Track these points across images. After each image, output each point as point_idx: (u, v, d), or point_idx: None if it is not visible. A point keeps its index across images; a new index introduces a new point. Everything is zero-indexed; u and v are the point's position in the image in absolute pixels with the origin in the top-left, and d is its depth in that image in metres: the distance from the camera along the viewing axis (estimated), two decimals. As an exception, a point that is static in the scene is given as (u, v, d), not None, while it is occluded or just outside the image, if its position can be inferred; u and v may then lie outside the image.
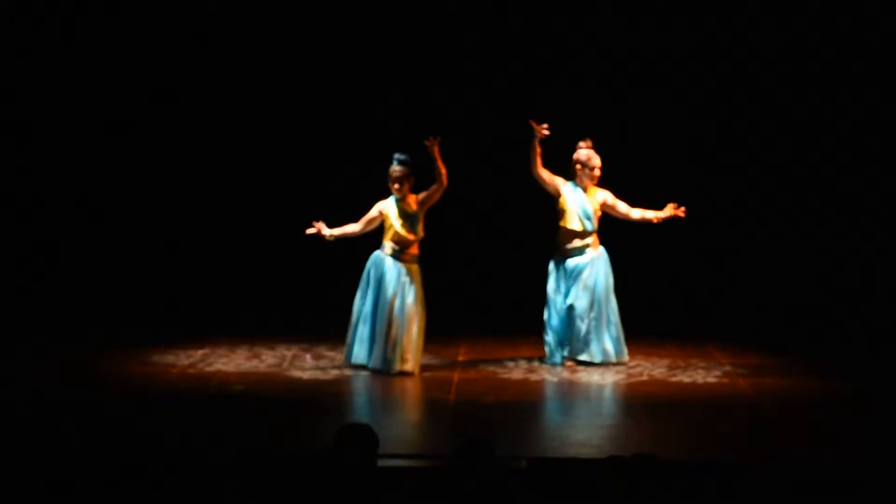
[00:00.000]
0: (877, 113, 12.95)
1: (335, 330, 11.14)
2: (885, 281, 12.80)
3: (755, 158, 13.15)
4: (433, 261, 12.85)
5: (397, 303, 10.46)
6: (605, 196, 10.91)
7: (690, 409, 9.41)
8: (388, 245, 10.56)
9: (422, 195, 10.56)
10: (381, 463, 6.03)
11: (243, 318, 12.48)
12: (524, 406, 9.56)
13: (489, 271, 13.04)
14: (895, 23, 12.76)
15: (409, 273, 10.54)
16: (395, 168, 10.51)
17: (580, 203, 10.79)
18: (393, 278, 10.48)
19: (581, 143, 10.86)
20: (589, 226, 10.82)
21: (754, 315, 12.73)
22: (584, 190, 10.84)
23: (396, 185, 10.51)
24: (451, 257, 12.97)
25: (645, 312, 12.68)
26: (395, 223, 10.52)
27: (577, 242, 10.81)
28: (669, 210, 10.92)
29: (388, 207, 10.58)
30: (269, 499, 6.11)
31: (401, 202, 10.56)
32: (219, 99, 13.13)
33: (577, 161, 10.81)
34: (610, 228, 12.76)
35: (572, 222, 10.79)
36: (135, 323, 12.34)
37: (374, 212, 10.61)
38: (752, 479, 6.75)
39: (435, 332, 11.83)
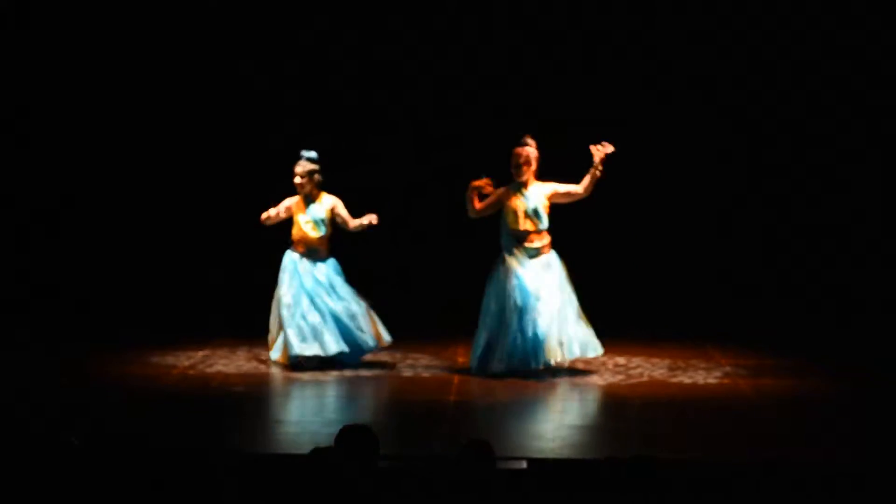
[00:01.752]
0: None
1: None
2: (885, 281, 12.79)
3: (754, 158, 13.15)
4: (434, 260, 12.90)
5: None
6: (550, 188, 10.53)
7: (691, 410, 9.41)
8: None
9: (340, 210, 10.74)
10: (382, 464, 6.03)
11: (243, 319, 12.46)
12: (524, 407, 9.56)
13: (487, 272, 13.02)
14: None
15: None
16: (308, 164, 10.66)
17: (524, 202, 10.51)
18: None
19: (520, 140, 10.57)
20: (540, 224, 10.51)
21: (754, 315, 12.73)
22: (525, 186, 10.53)
23: (299, 180, 10.68)
24: (452, 257, 12.98)
25: (645, 313, 12.70)
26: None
27: (529, 242, 10.51)
28: (598, 152, 10.40)
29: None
30: (268, 499, 6.11)
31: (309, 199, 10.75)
32: (219, 98, 13.14)
33: (513, 158, 10.51)
34: (611, 228, 12.82)
35: (519, 223, 10.50)
36: (135, 323, 12.34)
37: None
38: (751, 479, 6.76)
39: (435, 334, 11.86)
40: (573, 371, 10.55)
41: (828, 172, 13.03)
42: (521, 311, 10.31)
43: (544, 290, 10.39)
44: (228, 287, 12.91)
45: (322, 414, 9.54)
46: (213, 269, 13.04)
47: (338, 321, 10.60)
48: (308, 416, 9.52)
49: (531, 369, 10.30)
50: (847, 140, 13.03)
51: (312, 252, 10.74)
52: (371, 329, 10.68)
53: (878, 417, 9.11)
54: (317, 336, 10.52)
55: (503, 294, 10.39)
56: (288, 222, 10.79)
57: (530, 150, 10.50)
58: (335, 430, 8.40)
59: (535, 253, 10.50)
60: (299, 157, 10.73)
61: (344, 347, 10.56)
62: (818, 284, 12.88)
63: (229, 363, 10.80)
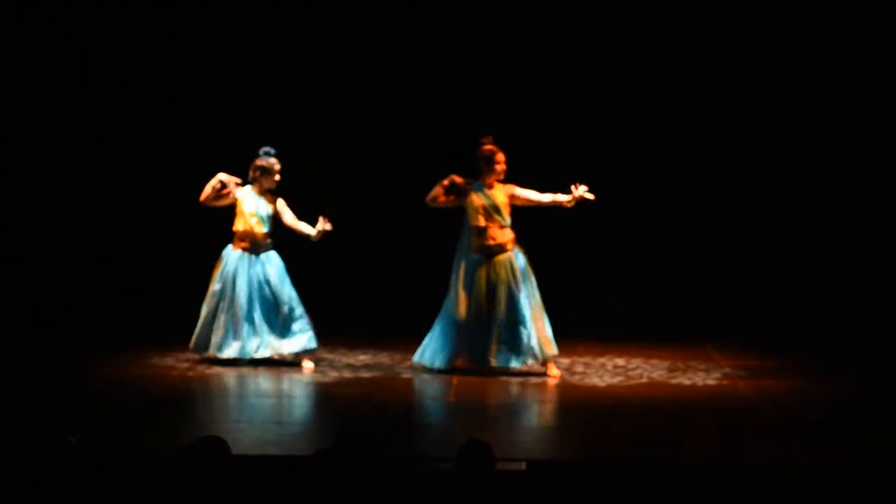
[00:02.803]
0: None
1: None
2: (885, 281, 12.79)
3: (754, 157, 13.16)
4: (433, 260, 12.90)
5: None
6: (512, 189, 10.53)
7: (690, 411, 9.41)
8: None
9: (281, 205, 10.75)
10: (381, 465, 6.03)
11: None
12: (523, 407, 9.56)
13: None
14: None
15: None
16: (272, 161, 10.67)
17: (489, 200, 10.48)
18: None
19: (483, 140, 10.54)
20: (503, 222, 10.49)
21: (754, 316, 12.73)
22: (490, 187, 10.52)
23: (278, 178, 10.67)
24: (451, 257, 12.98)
25: (645, 313, 12.71)
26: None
27: (490, 240, 10.49)
28: (577, 192, 10.39)
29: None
30: (268, 500, 6.11)
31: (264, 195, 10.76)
32: (219, 99, 13.14)
33: (481, 158, 10.50)
34: (611, 228, 12.82)
35: (480, 220, 10.47)
36: (135, 324, 12.33)
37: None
38: (751, 480, 6.76)
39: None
40: (573, 372, 10.55)
41: (827, 170, 13.04)
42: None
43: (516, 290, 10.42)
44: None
45: (322, 415, 9.55)
46: (213, 268, 13.02)
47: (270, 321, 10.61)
48: (308, 417, 9.52)
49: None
50: (848, 140, 13.05)
51: (256, 247, 10.74)
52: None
53: (878, 417, 9.11)
54: (239, 336, 10.55)
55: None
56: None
57: (496, 150, 10.51)
58: (335, 431, 8.42)
59: (497, 250, 10.50)
60: (266, 154, 10.71)
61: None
62: (818, 285, 12.88)
63: (229, 364, 10.78)
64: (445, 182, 10.55)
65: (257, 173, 10.73)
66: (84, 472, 6.04)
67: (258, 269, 10.70)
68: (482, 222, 10.48)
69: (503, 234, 10.50)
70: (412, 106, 13.08)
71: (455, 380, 10.28)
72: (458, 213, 10.60)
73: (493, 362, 10.36)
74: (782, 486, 6.71)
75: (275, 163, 10.72)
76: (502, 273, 10.45)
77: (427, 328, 10.62)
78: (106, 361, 10.78)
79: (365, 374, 10.48)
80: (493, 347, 10.36)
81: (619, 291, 12.87)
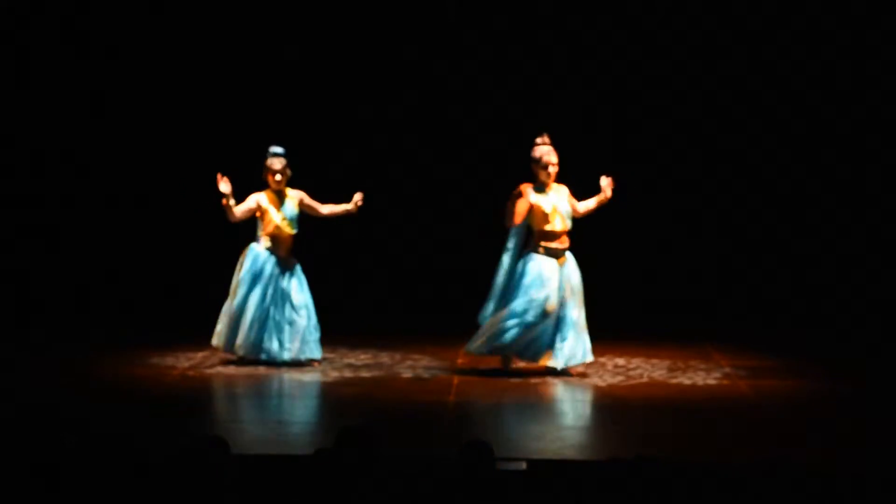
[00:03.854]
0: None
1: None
2: (884, 281, 12.80)
3: (754, 156, 13.16)
4: (433, 261, 12.90)
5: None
6: (565, 191, 10.49)
7: (691, 411, 9.41)
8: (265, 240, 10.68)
9: (308, 200, 10.68)
10: (381, 464, 6.03)
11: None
12: (524, 408, 9.56)
13: (488, 273, 13.02)
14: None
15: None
16: (283, 160, 10.64)
17: (550, 202, 10.42)
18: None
19: (538, 140, 10.47)
20: (562, 224, 10.44)
21: (754, 316, 12.73)
22: (546, 187, 10.43)
23: (279, 178, 10.62)
24: (450, 258, 12.99)
25: (645, 313, 12.71)
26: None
27: (555, 243, 10.45)
28: (603, 193, 10.44)
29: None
30: (269, 500, 6.11)
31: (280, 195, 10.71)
32: (219, 99, 13.14)
33: (533, 159, 10.43)
34: (611, 228, 12.82)
35: (551, 223, 10.41)
36: (135, 324, 12.33)
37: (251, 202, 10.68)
38: (752, 480, 6.75)
39: (436, 335, 11.86)
40: (573, 371, 10.54)
41: (829, 172, 13.04)
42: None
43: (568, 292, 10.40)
44: (228, 287, 12.90)
45: (322, 415, 9.55)
46: (212, 269, 13.02)
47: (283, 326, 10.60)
48: (308, 417, 9.52)
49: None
50: (849, 141, 13.06)
51: (285, 249, 10.71)
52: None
53: (878, 417, 9.11)
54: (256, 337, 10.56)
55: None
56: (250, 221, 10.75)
57: (547, 151, 10.41)
58: (335, 431, 8.42)
59: (560, 253, 10.47)
60: (271, 154, 10.67)
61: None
62: (819, 285, 12.88)
63: (229, 364, 10.79)
64: (520, 199, 10.35)
65: (267, 173, 10.68)
66: (83, 472, 6.04)
67: (282, 273, 10.64)
68: (548, 225, 10.39)
69: (566, 238, 10.47)
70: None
71: (455, 379, 10.28)
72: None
73: (552, 362, 10.34)
74: (783, 486, 6.70)
75: (276, 162, 10.67)
76: (573, 277, 10.45)
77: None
78: (106, 361, 10.78)
79: (365, 374, 10.47)
80: (558, 346, 10.35)
81: (618, 291, 12.85)
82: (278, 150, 10.69)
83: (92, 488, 6.04)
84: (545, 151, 10.38)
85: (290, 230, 10.67)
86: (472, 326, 10.52)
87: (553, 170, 10.36)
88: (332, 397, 9.85)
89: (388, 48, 13.20)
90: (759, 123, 13.14)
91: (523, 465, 7.42)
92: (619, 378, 10.42)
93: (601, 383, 10.24)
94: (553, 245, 10.40)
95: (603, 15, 13.12)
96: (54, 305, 12.68)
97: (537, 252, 10.39)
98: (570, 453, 8.04)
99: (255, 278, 10.62)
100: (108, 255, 13.15)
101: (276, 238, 10.67)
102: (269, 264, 10.65)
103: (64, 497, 6.00)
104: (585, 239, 11.74)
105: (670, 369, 10.75)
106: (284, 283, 10.64)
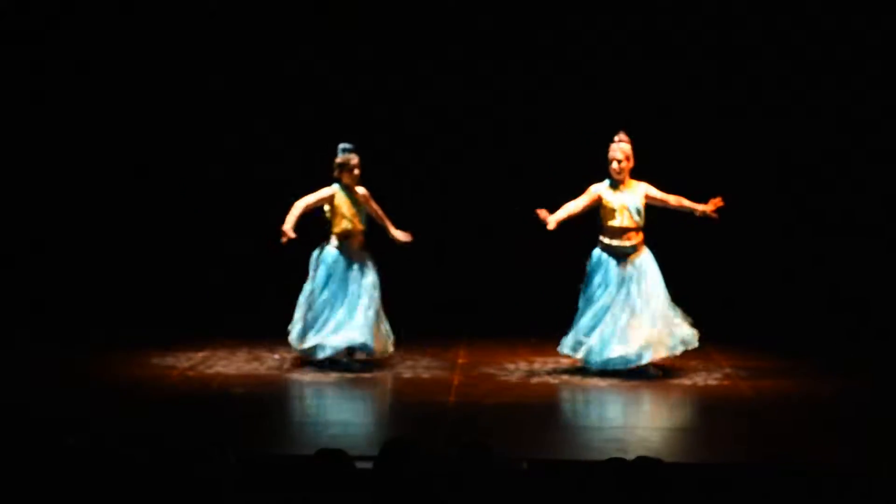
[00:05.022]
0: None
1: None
2: (885, 281, 12.79)
3: (754, 157, 13.15)
4: (433, 261, 12.89)
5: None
6: (647, 189, 10.60)
7: (691, 412, 9.40)
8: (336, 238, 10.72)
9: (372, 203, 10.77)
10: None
11: (243, 319, 12.48)
12: (524, 408, 9.56)
13: (488, 273, 13.04)
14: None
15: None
16: (350, 156, 10.65)
17: (620, 199, 10.53)
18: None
19: (615, 137, 10.60)
20: (629, 221, 10.54)
21: (754, 316, 12.72)
22: (619, 185, 10.55)
23: (357, 172, 10.65)
24: (451, 259, 12.98)
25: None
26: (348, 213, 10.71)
27: (624, 240, 10.59)
28: (710, 205, 10.69)
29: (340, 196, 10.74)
30: (269, 500, 6.11)
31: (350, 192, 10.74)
32: (219, 99, 13.14)
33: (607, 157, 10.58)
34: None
35: (617, 219, 10.54)
36: (135, 324, 12.33)
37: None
38: (752, 480, 6.75)
39: (435, 335, 11.86)
40: (572, 371, 10.55)
41: (831, 170, 13.04)
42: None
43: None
44: (228, 287, 12.91)
45: (322, 415, 9.55)
46: (213, 269, 13.04)
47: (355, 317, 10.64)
48: (308, 417, 9.52)
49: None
50: (850, 140, 13.05)
51: (357, 244, 10.76)
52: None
53: (878, 417, 9.10)
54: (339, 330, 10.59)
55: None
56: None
57: (613, 148, 10.55)
58: (335, 431, 8.43)
59: (631, 250, 10.57)
60: (345, 150, 10.69)
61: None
62: (819, 285, 12.87)
63: (229, 364, 10.80)
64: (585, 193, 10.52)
65: (338, 170, 10.69)
66: (84, 472, 6.04)
67: (358, 271, 10.67)
68: (616, 222, 10.53)
69: (634, 234, 10.61)
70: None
71: (456, 379, 10.28)
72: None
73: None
74: (783, 486, 6.70)
75: (352, 157, 10.67)
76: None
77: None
78: (106, 361, 10.78)
79: (365, 374, 10.47)
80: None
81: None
82: (350, 145, 10.70)
83: (92, 488, 6.04)
84: (612, 148, 10.53)
85: (360, 225, 10.71)
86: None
87: (617, 166, 10.47)
88: (332, 398, 9.85)
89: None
90: (757, 122, 13.13)
91: (523, 465, 7.42)
92: (619, 378, 10.41)
93: (602, 383, 10.24)
94: (614, 243, 10.53)
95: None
96: (54, 305, 12.67)
97: (599, 248, 10.59)
98: (570, 453, 8.04)
99: (333, 279, 10.65)
100: (108, 256, 13.14)
101: (349, 234, 10.71)
102: (343, 264, 10.68)
103: (64, 497, 6.00)
104: (586, 239, 11.74)
105: (670, 369, 10.74)
106: (359, 280, 10.66)
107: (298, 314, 10.68)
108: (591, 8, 13.06)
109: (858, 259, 12.94)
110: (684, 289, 12.94)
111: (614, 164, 10.50)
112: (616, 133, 10.59)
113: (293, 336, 10.65)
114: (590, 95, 12.98)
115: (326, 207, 10.71)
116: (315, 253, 10.74)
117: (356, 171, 10.68)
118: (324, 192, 10.69)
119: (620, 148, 10.51)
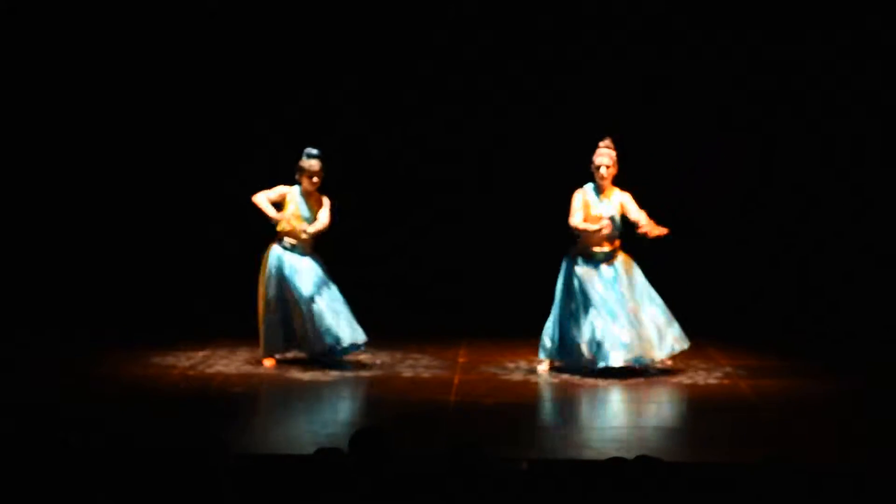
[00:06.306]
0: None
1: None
2: (885, 280, 12.79)
3: (753, 157, 13.15)
4: (433, 261, 12.90)
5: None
6: (623, 199, 10.55)
7: (691, 411, 9.40)
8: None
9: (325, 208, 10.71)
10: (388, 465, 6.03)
11: (243, 319, 12.46)
12: (524, 408, 9.56)
13: (489, 273, 13.03)
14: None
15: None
16: (313, 162, 10.60)
17: (600, 207, 10.50)
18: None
19: (600, 143, 10.57)
20: (607, 229, 10.52)
21: (754, 316, 12.72)
22: (602, 191, 10.56)
23: (316, 179, 10.61)
24: (451, 259, 12.98)
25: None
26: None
27: (602, 246, 10.56)
28: (657, 230, 10.52)
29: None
30: (268, 500, 6.11)
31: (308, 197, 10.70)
32: (219, 99, 13.15)
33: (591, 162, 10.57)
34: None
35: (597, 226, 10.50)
36: (135, 324, 12.33)
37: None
38: (752, 480, 6.75)
39: (436, 335, 11.86)
40: (572, 371, 10.55)
41: (827, 170, 13.04)
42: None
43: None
44: (228, 287, 12.90)
45: (322, 414, 9.55)
46: (212, 269, 13.03)
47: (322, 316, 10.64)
48: (308, 416, 9.52)
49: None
50: (851, 141, 13.05)
51: (301, 247, 10.73)
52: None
53: (878, 417, 9.10)
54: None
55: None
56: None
57: (599, 153, 10.52)
58: (335, 430, 8.43)
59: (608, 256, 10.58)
60: (308, 156, 10.66)
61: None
62: (819, 285, 12.87)
63: (229, 363, 10.80)
64: (575, 196, 10.52)
65: (302, 174, 10.67)
66: (84, 472, 6.04)
67: (309, 262, 10.67)
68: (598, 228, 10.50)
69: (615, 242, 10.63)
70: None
71: (456, 379, 10.28)
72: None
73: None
74: (783, 486, 6.70)
75: (314, 163, 10.65)
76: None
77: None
78: (106, 361, 10.78)
79: (365, 374, 10.47)
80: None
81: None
82: (315, 151, 10.66)
83: (92, 488, 6.04)
84: (599, 153, 10.49)
85: (303, 235, 10.67)
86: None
87: (604, 172, 10.45)
88: (332, 397, 9.85)
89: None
90: (757, 122, 13.14)
91: (523, 465, 7.42)
92: (619, 378, 10.41)
93: (601, 383, 10.24)
94: (592, 248, 10.52)
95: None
96: (54, 305, 12.67)
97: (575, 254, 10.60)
98: (570, 453, 8.04)
99: (281, 279, 10.64)
100: (108, 255, 13.14)
101: (292, 235, 10.69)
102: (290, 258, 10.66)
103: (64, 497, 6.00)
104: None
105: (671, 368, 10.74)
106: (317, 270, 10.66)
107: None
108: (574, 22, 13.07)
109: (858, 259, 12.94)
110: (684, 289, 12.99)
111: (602, 170, 10.47)
112: (601, 139, 10.55)
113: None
114: (589, 95, 12.99)
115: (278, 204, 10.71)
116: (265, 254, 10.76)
117: (315, 179, 10.62)
118: (281, 189, 10.71)
119: (608, 153, 10.48)
